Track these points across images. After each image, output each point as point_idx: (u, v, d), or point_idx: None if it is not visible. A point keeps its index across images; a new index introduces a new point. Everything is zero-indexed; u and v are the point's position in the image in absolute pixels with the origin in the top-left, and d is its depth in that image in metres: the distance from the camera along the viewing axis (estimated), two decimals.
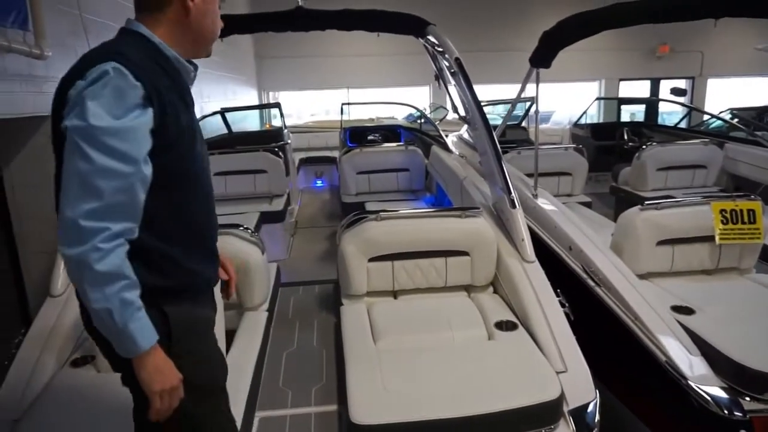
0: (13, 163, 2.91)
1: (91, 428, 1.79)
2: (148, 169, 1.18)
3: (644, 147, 5.08)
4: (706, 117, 8.32)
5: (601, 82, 15.03)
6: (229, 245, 1.70)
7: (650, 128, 6.90)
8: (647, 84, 15.28)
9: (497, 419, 1.80)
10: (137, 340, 1.16)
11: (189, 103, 1.35)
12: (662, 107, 12.69)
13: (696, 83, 15.07)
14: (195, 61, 1.43)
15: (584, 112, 8.08)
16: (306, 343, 2.89)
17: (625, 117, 12.90)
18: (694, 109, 9.16)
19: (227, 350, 2.34)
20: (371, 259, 2.68)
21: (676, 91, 7.47)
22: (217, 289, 1.95)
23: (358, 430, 1.75)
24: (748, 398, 1.99)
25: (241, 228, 2.73)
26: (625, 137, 6.09)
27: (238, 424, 1.91)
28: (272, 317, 2.97)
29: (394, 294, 2.81)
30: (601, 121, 12.27)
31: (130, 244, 1.19)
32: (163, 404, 1.23)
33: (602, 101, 13.30)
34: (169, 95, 1.24)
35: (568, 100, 14.72)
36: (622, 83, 15.05)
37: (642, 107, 12.67)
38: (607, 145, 6.64)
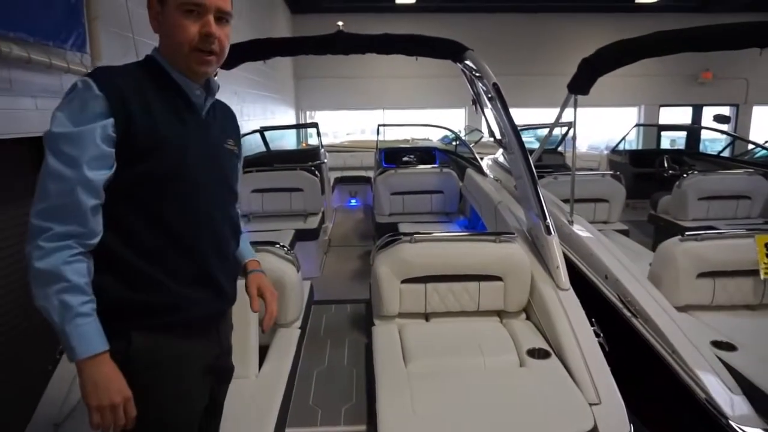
0: None
1: None
2: (93, 174, 1.19)
3: (685, 175, 4.95)
4: (750, 146, 8.08)
5: (641, 107, 14.78)
6: (265, 262, 1.73)
7: (692, 156, 6.73)
8: (689, 110, 14.96)
9: None
10: (74, 346, 1.16)
11: (186, 119, 1.36)
12: (704, 134, 12.38)
13: (740, 110, 14.66)
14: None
15: (623, 138, 7.96)
16: (337, 362, 2.90)
17: (665, 144, 12.64)
18: (737, 138, 8.91)
19: (260, 365, 2.39)
20: (404, 281, 2.69)
21: (719, 119, 7.28)
22: (247, 309, 1.91)
23: None
24: None
25: (278, 245, 2.79)
26: (666, 165, 5.97)
27: None
28: (304, 334, 3.00)
29: (426, 316, 2.80)
30: (640, 147, 12.04)
31: (104, 253, 1.24)
32: (103, 420, 1.19)
33: (641, 127, 13.06)
34: (146, 107, 1.27)
35: (603, 125, 14.49)
36: (662, 109, 14.77)
37: (683, 134, 12.38)
38: (646, 173, 6.51)
